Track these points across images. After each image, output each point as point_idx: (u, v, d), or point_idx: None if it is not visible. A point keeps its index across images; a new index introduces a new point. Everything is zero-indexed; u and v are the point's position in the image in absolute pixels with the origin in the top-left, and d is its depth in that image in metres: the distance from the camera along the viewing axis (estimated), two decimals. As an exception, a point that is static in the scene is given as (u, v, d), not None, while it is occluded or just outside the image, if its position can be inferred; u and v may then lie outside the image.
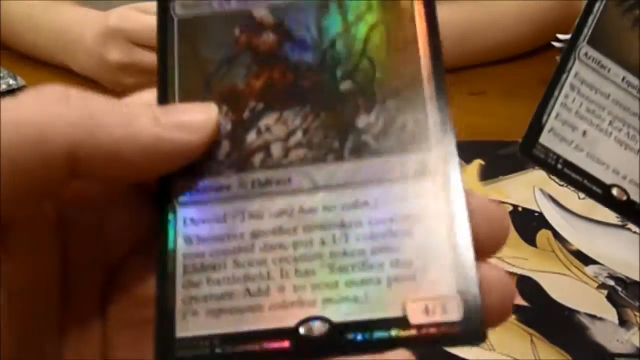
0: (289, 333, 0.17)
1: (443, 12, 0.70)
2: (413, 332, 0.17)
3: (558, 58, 0.26)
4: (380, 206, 0.18)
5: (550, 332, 0.43)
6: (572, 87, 0.24)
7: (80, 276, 0.20)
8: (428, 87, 0.19)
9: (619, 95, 0.24)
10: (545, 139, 0.25)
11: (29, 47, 0.77)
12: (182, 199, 0.19)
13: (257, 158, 0.19)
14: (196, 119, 0.19)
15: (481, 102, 0.73)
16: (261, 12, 0.20)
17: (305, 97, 0.19)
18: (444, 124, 0.19)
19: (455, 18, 0.77)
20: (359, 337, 0.17)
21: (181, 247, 0.18)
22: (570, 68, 0.24)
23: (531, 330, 0.43)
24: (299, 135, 0.19)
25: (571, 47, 0.25)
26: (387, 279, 0.17)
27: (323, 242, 0.18)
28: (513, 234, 0.52)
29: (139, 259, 0.20)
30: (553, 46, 0.86)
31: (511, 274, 0.48)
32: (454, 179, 0.18)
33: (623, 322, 0.44)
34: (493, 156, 0.60)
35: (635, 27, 0.24)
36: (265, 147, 0.19)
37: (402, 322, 0.17)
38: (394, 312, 0.17)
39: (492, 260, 0.18)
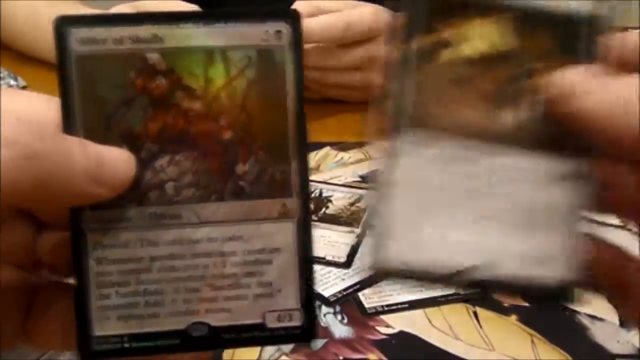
0: (180, 333, 0.23)
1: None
2: (268, 333, 0.24)
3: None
4: (251, 240, 0.23)
5: (550, 333, 0.43)
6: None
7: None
8: (292, 144, 0.23)
9: (453, 159, 0.23)
10: (393, 251, 0.22)
11: (29, 45, 0.77)
12: (91, 226, 0.22)
13: (154, 195, 0.23)
14: (118, 178, 0.21)
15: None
16: (154, 57, 0.22)
17: (194, 142, 0.23)
18: (303, 175, 0.23)
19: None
20: (231, 336, 0.23)
21: (93, 266, 0.23)
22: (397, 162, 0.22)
23: (531, 331, 0.43)
24: (189, 176, 0.23)
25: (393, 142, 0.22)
26: (252, 296, 0.23)
27: (206, 267, 0.23)
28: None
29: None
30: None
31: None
32: (307, 221, 0.24)
33: (624, 323, 0.44)
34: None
35: (453, 85, 0.23)
36: (160, 186, 0.23)
37: (261, 326, 0.24)
38: (256, 319, 0.24)
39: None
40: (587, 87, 0.21)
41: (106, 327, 0.23)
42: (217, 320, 0.23)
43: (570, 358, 0.41)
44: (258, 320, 0.23)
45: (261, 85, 0.23)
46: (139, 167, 0.22)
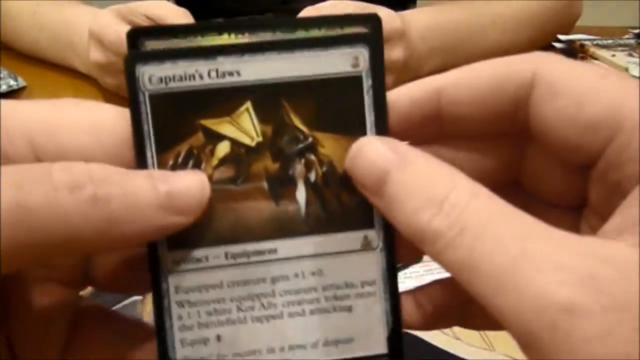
0: None
1: (444, 13, 0.71)
2: None
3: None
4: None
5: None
6: (181, 304, 0.21)
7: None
8: None
9: (231, 274, 0.21)
10: None
11: (31, 44, 0.77)
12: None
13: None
14: (192, 203, 0.20)
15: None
16: None
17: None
18: None
19: (455, 19, 0.77)
20: None
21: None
22: (167, 289, 0.21)
23: (531, 331, 0.43)
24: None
25: (155, 267, 0.21)
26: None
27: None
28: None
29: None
30: (553, 46, 0.86)
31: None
32: (392, 252, 0.22)
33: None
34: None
35: None
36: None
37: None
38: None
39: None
40: (389, 167, 0.19)
41: None
42: None
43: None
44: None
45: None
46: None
